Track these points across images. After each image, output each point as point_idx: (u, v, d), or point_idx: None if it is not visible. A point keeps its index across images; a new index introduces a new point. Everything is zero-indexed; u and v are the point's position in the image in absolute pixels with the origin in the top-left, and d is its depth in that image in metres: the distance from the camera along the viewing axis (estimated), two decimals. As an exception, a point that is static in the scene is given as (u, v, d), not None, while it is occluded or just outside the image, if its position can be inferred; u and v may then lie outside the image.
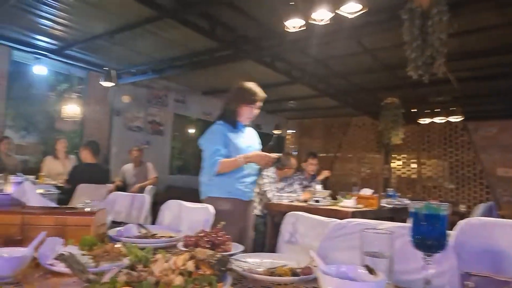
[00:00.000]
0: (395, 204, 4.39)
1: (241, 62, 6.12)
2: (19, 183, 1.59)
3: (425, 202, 1.03)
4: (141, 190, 5.46)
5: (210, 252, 1.04)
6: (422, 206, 1.03)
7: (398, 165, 10.13)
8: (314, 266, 1.11)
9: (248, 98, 2.56)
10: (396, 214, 4.02)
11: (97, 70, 7.12)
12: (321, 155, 10.87)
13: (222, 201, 2.39)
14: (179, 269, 0.96)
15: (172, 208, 2.30)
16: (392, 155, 9.94)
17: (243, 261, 1.20)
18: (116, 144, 7.55)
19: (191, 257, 1.00)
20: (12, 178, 1.67)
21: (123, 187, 5.68)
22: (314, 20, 3.52)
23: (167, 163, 8.65)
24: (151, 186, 5.65)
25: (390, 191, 5.14)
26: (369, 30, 4.55)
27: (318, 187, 3.85)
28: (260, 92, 2.60)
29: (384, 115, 7.56)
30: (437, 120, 7.81)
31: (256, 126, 11.30)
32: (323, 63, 6.47)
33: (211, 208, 2.09)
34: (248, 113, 2.57)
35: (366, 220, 1.54)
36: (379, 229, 1.15)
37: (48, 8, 4.94)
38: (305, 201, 3.79)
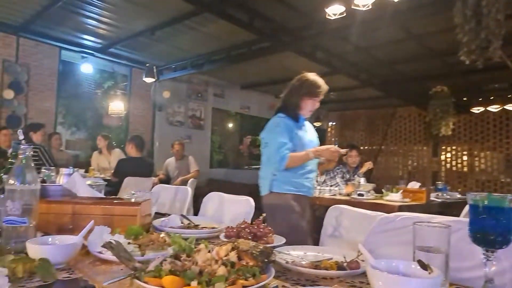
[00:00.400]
0: (445, 198, 4.15)
1: (279, 54, 6.05)
2: (70, 174, 1.67)
3: (486, 193, 0.94)
4: (183, 183, 5.59)
5: (253, 243, 1.02)
6: (483, 198, 0.94)
7: (448, 158, 9.59)
8: (362, 260, 1.06)
9: (313, 90, 2.44)
10: (447, 209, 3.81)
11: (140, 67, 7.35)
12: (364, 148, 10.57)
13: (288, 197, 2.30)
14: (222, 260, 0.95)
15: (213, 200, 2.32)
16: (442, 147, 9.43)
17: (287, 253, 1.17)
18: (159, 138, 7.79)
19: (234, 248, 0.99)
20: (63, 170, 1.75)
21: (166, 180, 5.84)
22: (357, 6, 3.38)
23: (207, 156, 8.80)
24: (193, 179, 5.77)
25: (440, 184, 4.87)
26: (415, 14, 4.32)
27: (362, 180, 3.72)
28: (323, 85, 2.47)
29: (432, 104, 7.17)
30: (492, 108, 7.30)
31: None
32: (365, 52, 6.25)
33: (251, 201, 2.07)
34: (311, 106, 2.46)
35: (417, 214, 1.46)
36: (434, 223, 1.07)
37: (93, 8, 5.15)
38: (348, 194, 3.68)
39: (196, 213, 2.40)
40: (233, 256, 0.95)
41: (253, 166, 10.20)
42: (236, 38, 5.85)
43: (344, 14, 3.62)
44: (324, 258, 1.14)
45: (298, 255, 1.18)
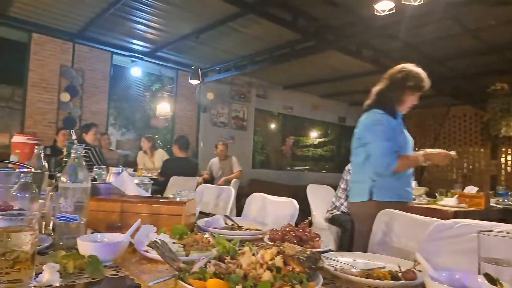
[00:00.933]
0: (507, 204, 3.82)
1: (323, 53, 5.93)
2: (119, 173, 1.72)
3: None
4: (227, 183, 5.64)
5: (299, 248, 0.97)
6: None
7: (508, 161, 8.86)
8: (419, 270, 0.98)
9: (418, 84, 2.19)
10: (510, 216, 3.50)
11: (185, 69, 7.55)
12: (414, 149, 10.07)
13: (389, 205, 1.89)
14: (267, 264, 0.91)
15: (256, 201, 2.29)
16: (501, 149, 8.74)
17: (335, 260, 1.11)
18: (203, 139, 7.94)
19: (279, 252, 0.95)
20: (113, 169, 1.81)
21: (210, 180, 5.94)
22: (408, 0, 3.21)
23: (249, 157, 8.84)
24: (236, 179, 5.81)
25: (500, 189, 4.48)
26: (470, 7, 4.03)
27: (412, 183, 3.52)
28: (426, 78, 2.23)
29: (491, 103, 6.66)
30: (561, 106, 6.65)
31: (340, 119, 11.03)
32: (415, 48, 5.95)
33: (295, 203, 2.02)
34: (412, 101, 2.23)
35: (478, 221, 1.33)
36: (501, 232, 0.96)
37: (142, 13, 5.35)
38: (397, 198, 3.50)
39: (238, 213, 2.40)
40: (278, 261, 0.91)
41: (295, 167, 10.10)
42: (279, 38, 5.82)
43: (394, 10, 3.46)
44: (376, 267, 1.07)
45: (347, 262, 1.12)
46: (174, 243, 1.15)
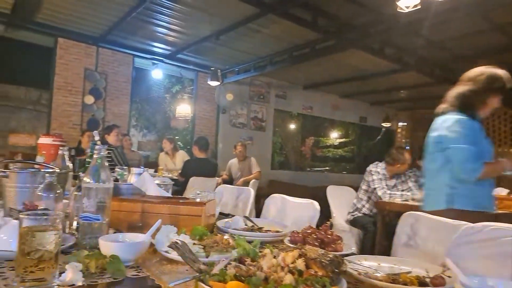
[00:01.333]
0: (537, 207, 3.65)
1: (344, 52, 5.86)
2: (140, 174, 1.73)
3: None
4: (245, 183, 5.64)
5: (322, 251, 0.95)
6: None
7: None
8: (448, 276, 0.93)
9: (502, 86, 2.06)
10: (540, 219, 3.35)
11: (205, 71, 7.60)
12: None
13: (470, 216, 1.72)
14: (289, 267, 0.89)
15: (276, 202, 2.27)
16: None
17: (358, 264, 1.08)
18: (222, 140, 7.98)
19: (301, 255, 0.93)
20: (134, 170, 1.83)
21: (229, 181, 5.95)
22: (431, -4, 3.12)
23: (268, 158, 8.82)
24: (254, 180, 5.80)
25: (532, 191, 4.29)
26: (498, 1, 3.88)
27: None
28: (509, 78, 2.11)
29: (523, 102, 6.37)
30: None
31: (361, 118, 10.86)
32: (440, 46, 5.79)
33: (316, 204, 1.99)
34: (494, 104, 2.10)
35: (508, 224, 1.27)
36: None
37: (163, 17, 5.42)
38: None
39: (257, 214, 2.38)
40: (300, 264, 0.89)
41: (315, 168, 10.00)
42: (298, 38, 5.78)
43: (419, 7, 3.36)
44: (401, 271, 1.03)
45: (371, 266, 1.08)
46: (194, 244, 1.14)
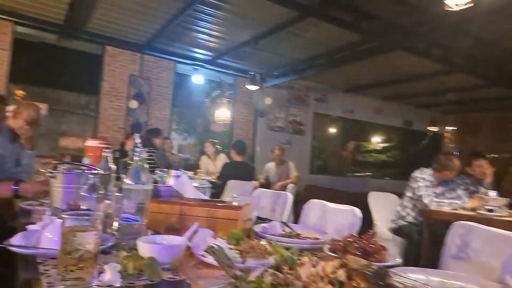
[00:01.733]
0: None
1: (387, 54, 5.66)
2: (178, 176, 1.75)
3: None
4: (283, 188, 5.58)
5: (365, 261, 0.89)
6: None
7: None
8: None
9: None
10: None
11: (244, 75, 7.66)
12: (490, 155, 9.14)
13: None
14: (328, 277, 0.85)
15: (315, 208, 2.21)
16: None
17: (404, 276, 1.01)
18: (260, 143, 7.98)
19: (342, 265, 0.87)
20: (173, 172, 1.86)
21: (266, 185, 5.92)
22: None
23: (307, 162, 8.70)
24: (292, 184, 5.73)
25: None
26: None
27: (492, 193, 3.16)
28: None
29: None
30: None
31: (406, 122, 10.44)
32: (492, 46, 5.42)
33: (357, 211, 1.91)
34: None
35: None
36: None
37: (204, 23, 5.53)
38: (473, 209, 3.17)
39: (295, 220, 2.33)
40: (341, 275, 0.84)
41: (356, 174, 9.73)
42: (339, 41, 5.66)
43: (472, 4, 3.16)
44: (452, 286, 0.95)
45: (419, 279, 1.01)
46: (230, 248, 1.12)
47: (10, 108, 2.69)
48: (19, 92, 5.84)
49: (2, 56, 5.69)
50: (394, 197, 3.98)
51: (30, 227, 1.23)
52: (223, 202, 1.61)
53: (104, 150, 1.95)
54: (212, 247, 0.99)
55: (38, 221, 1.30)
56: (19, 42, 5.92)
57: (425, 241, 3.16)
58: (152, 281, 0.91)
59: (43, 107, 5.77)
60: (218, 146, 6.81)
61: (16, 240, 1.10)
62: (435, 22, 4.61)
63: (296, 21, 5.07)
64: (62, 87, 6.67)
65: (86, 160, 2.31)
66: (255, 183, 4.99)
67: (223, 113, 7.77)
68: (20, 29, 5.86)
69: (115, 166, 2.01)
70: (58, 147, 6.68)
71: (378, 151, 10.25)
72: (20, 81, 6.08)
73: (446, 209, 3.22)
